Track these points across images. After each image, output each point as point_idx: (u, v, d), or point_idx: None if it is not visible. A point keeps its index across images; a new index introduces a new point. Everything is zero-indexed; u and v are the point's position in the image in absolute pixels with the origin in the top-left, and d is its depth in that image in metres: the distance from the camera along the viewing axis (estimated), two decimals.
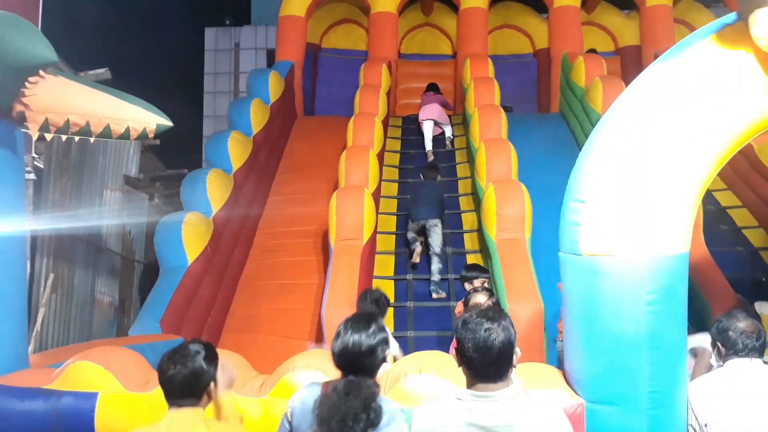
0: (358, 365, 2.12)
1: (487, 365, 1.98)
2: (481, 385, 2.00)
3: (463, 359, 2.03)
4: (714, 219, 6.89)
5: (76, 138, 3.63)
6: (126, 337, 5.14)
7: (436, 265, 6.16)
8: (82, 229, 6.68)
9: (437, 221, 6.24)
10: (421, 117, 8.57)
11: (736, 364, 2.62)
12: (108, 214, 7.48)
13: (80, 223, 6.46)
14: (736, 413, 2.49)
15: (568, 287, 2.97)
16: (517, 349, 2.03)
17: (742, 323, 2.66)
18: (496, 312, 2.06)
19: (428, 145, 8.38)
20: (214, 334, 6.02)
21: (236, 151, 7.28)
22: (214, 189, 6.61)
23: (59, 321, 6.25)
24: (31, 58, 2.99)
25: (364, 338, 2.12)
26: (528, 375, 2.91)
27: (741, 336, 2.61)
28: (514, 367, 2.04)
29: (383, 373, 2.54)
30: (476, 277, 4.95)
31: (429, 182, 6.65)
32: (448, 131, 8.69)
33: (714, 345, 2.76)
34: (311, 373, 3.01)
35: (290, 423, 2.22)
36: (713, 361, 2.81)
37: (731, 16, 2.63)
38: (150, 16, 15.00)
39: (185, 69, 15.67)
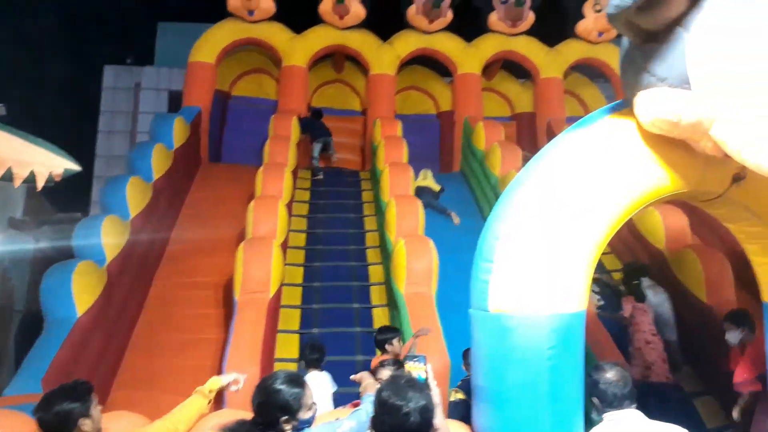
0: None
1: None
2: None
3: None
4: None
5: None
6: (2, 397, 4.63)
7: (332, 149, 9.83)
8: None
9: (329, 139, 9.75)
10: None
11: (612, 416, 2.72)
12: None
13: None
14: None
15: (476, 341, 3.09)
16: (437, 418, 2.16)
17: (609, 374, 2.76)
18: (415, 390, 2.14)
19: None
20: (103, 391, 5.57)
21: (135, 197, 6.98)
22: (109, 236, 6.27)
23: None
24: None
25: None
26: None
27: (610, 386, 2.71)
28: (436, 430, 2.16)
29: None
30: (394, 337, 4.85)
31: (318, 122, 9.77)
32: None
33: (591, 400, 2.82)
34: None
35: None
36: (594, 415, 2.84)
37: (619, 103, 2.96)
38: (45, 50, 14.30)
39: (78, 106, 14.94)
